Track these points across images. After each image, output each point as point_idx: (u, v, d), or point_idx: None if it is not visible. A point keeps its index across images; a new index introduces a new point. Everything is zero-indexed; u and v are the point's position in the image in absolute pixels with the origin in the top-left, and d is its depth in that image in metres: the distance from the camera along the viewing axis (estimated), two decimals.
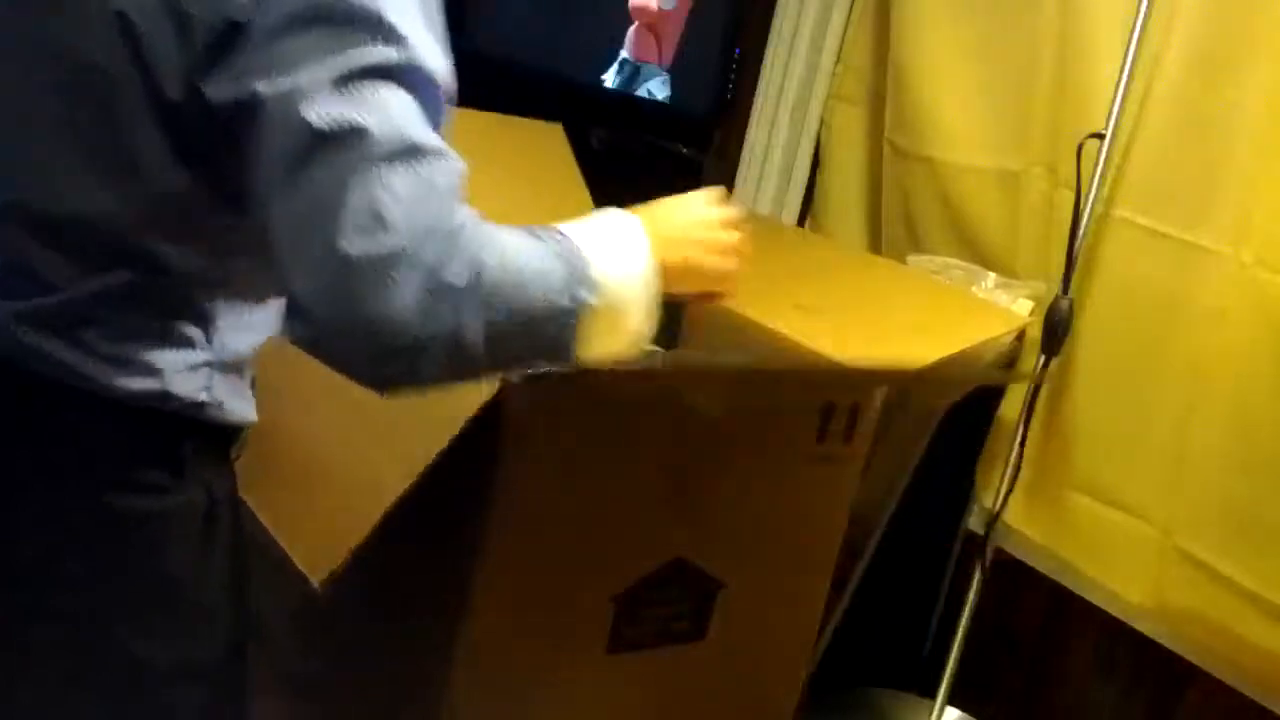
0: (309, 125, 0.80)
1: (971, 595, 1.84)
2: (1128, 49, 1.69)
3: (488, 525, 1.12)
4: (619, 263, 0.91)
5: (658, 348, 1.06)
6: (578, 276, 0.87)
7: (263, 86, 0.82)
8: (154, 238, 0.93)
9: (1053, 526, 1.88)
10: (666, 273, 0.95)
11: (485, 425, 1.08)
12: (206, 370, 0.99)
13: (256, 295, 1.02)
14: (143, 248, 0.94)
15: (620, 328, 0.91)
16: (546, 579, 1.17)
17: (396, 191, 0.81)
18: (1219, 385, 1.64)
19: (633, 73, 2.58)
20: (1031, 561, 1.93)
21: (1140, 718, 1.86)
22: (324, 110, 0.81)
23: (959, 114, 1.99)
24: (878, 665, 2.10)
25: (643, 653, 1.25)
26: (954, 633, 1.86)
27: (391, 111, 0.83)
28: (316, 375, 1.27)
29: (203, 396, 0.99)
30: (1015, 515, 1.88)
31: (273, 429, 1.26)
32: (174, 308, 0.96)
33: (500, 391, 1.07)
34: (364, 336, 0.81)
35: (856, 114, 2.25)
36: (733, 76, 2.40)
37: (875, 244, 2.20)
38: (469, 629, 1.14)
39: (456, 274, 0.81)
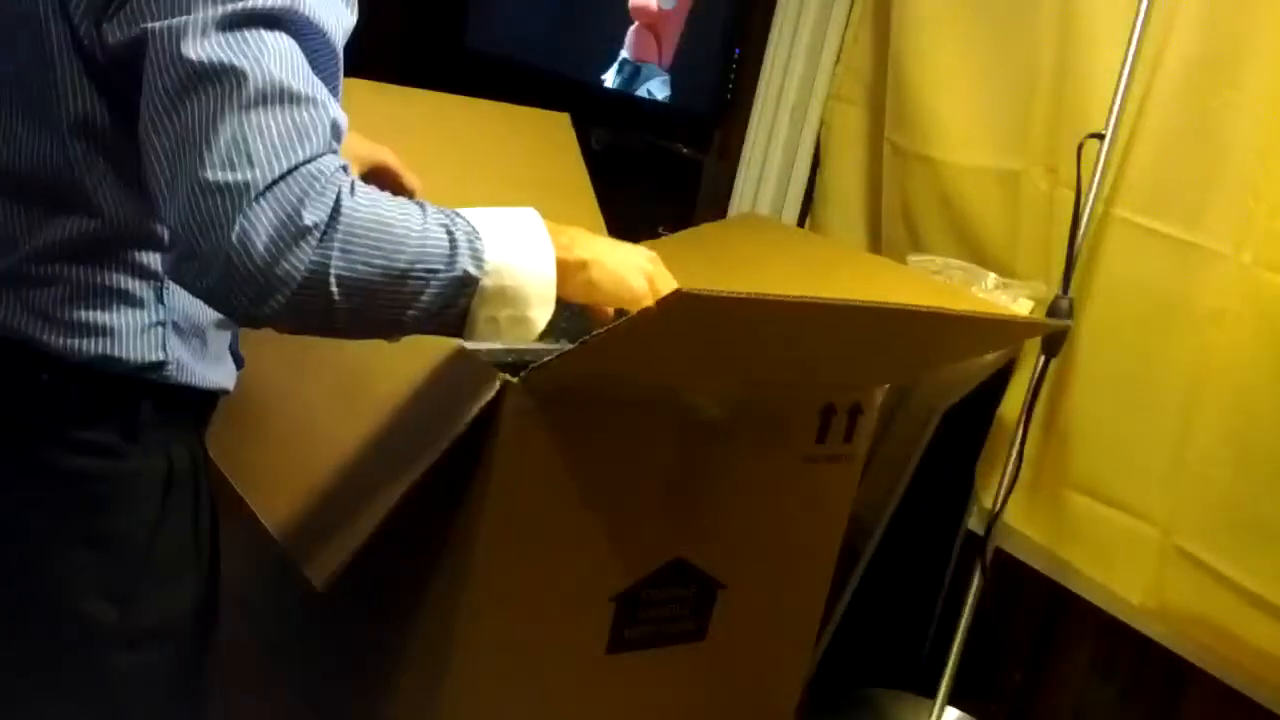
0: (189, 61, 0.84)
1: (971, 595, 1.84)
2: (1128, 49, 1.69)
3: (487, 525, 1.12)
4: (517, 252, 0.92)
5: (565, 341, 1.08)
6: (467, 250, 0.89)
7: (152, 23, 0.86)
8: (91, 185, 0.96)
9: (1052, 526, 1.88)
10: (569, 278, 0.96)
11: (484, 424, 1.08)
12: (160, 330, 1.00)
13: None
14: (82, 195, 0.96)
15: (511, 313, 0.92)
16: (546, 579, 1.17)
17: (263, 131, 0.83)
18: (1219, 385, 1.64)
19: (633, 73, 2.58)
20: (1031, 561, 1.93)
21: (1140, 718, 1.86)
22: (204, 49, 0.84)
23: (959, 114, 1.99)
24: (878, 665, 2.10)
25: (643, 653, 1.25)
26: (954, 633, 1.86)
27: (269, 56, 0.86)
28: (317, 377, 1.27)
29: (158, 357, 1.00)
30: (1015, 515, 1.88)
31: (273, 429, 1.26)
32: (120, 263, 0.98)
33: (500, 391, 1.07)
34: (219, 267, 0.82)
35: (856, 114, 2.25)
36: (733, 76, 2.40)
37: (875, 244, 2.20)
38: (467, 629, 1.14)
39: (313, 216, 0.83)
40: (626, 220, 1.95)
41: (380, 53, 1.63)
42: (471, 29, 2.97)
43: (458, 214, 0.92)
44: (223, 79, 0.84)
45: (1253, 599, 1.60)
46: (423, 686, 1.18)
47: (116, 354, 0.98)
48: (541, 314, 0.94)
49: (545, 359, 1.05)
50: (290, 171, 0.83)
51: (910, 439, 1.88)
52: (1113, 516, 1.78)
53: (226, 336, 1.08)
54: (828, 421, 1.29)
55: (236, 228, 0.81)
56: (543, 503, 1.14)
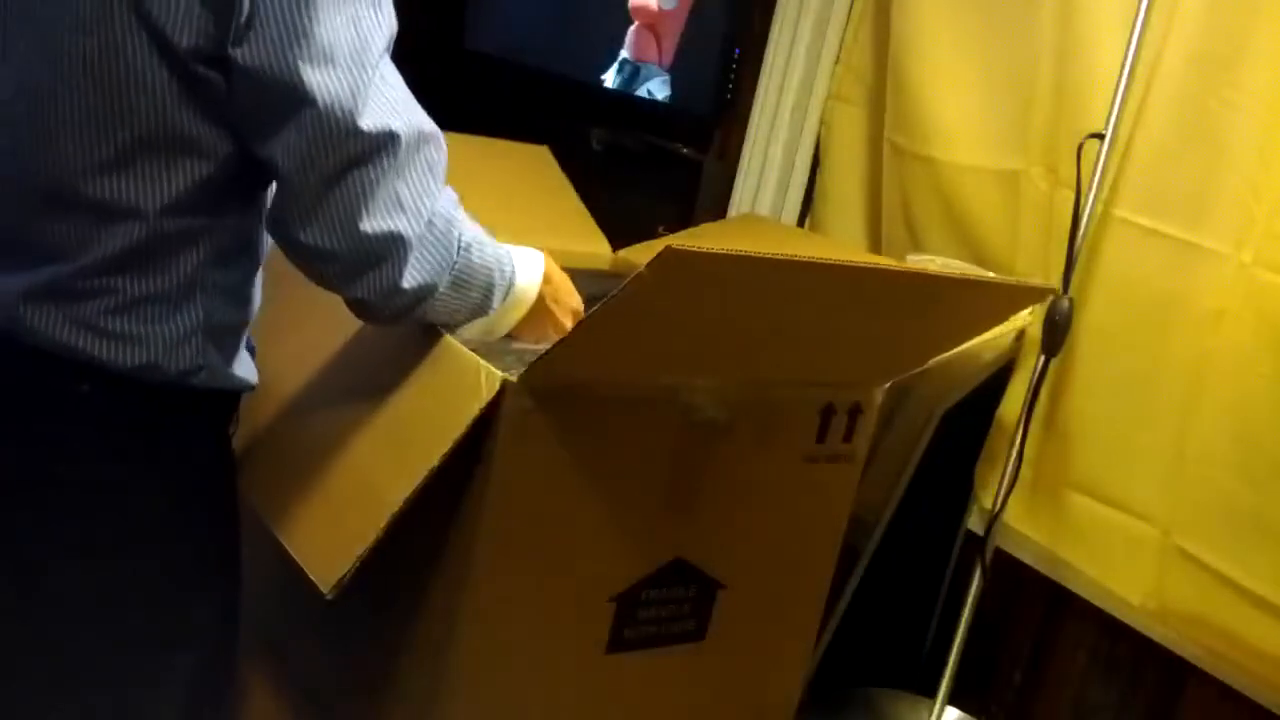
0: (361, 134, 0.95)
1: (971, 595, 1.84)
2: (1128, 49, 1.69)
3: (487, 525, 1.12)
4: (526, 281, 1.15)
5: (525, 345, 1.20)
6: (508, 278, 1.13)
7: (308, 72, 0.93)
8: (140, 196, 0.97)
9: (1052, 526, 1.88)
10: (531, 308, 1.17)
11: (484, 424, 1.08)
12: (196, 338, 1.02)
13: (242, 262, 1.05)
14: (132, 205, 0.97)
15: (495, 325, 1.15)
16: (546, 579, 1.17)
17: (412, 182, 1.00)
18: (1219, 385, 1.64)
19: (633, 73, 2.58)
20: (1031, 561, 1.93)
21: (1140, 718, 1.85)
22: (370, 118, 0.95)
23: (959, 114, 1.99)
24: (878, 665, 2.10)
25: (643, 653, 1.25)
26: (954, 633, 1.86)
27: (403, 101, 0.99)
28: (320, 377, 1.27)
29: (196, 363, 1.02)
30: (1015, 515, 1.88)
31: (277, 430, 1.26)
32: (163, 271, 0.99)
33: (499, 391, 1.07)
34: (376, 295, 1.03)
35: (856, 114, 2.25)
36: (733, 76, 2.40)
37: (875, 244, 2.20)
38: (468, 628, 1.14)
39: (439, 267, 1.05)
40: (626, 220, 1.95)
41: None
42: (471, 29, 2.97)
43: (505, 254, 1.13)
44: (387, 146, 0.97)
45: (1253, 599, 1.60)
46: (423, 686, 1.18)
47: (157, 362, 1.00)
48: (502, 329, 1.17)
49: (543, 352, 1.05)
50: (431, 220, 1.02)
51: (910, 439, 1.88)
52: (1113, 516, 1.78)
53: (247, 331, 1.10)
54: (828, 421, 1.29)
55: (393, 273, 1.01)
56: (542, 502, 1.14)
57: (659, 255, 0.93)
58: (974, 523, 2.02)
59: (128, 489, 1.01)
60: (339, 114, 0.93)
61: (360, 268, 1.00)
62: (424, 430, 1.10)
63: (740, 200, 2.40)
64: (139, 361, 0.99)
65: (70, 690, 1.03)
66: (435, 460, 1.06)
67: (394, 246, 0.99)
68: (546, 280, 1.17)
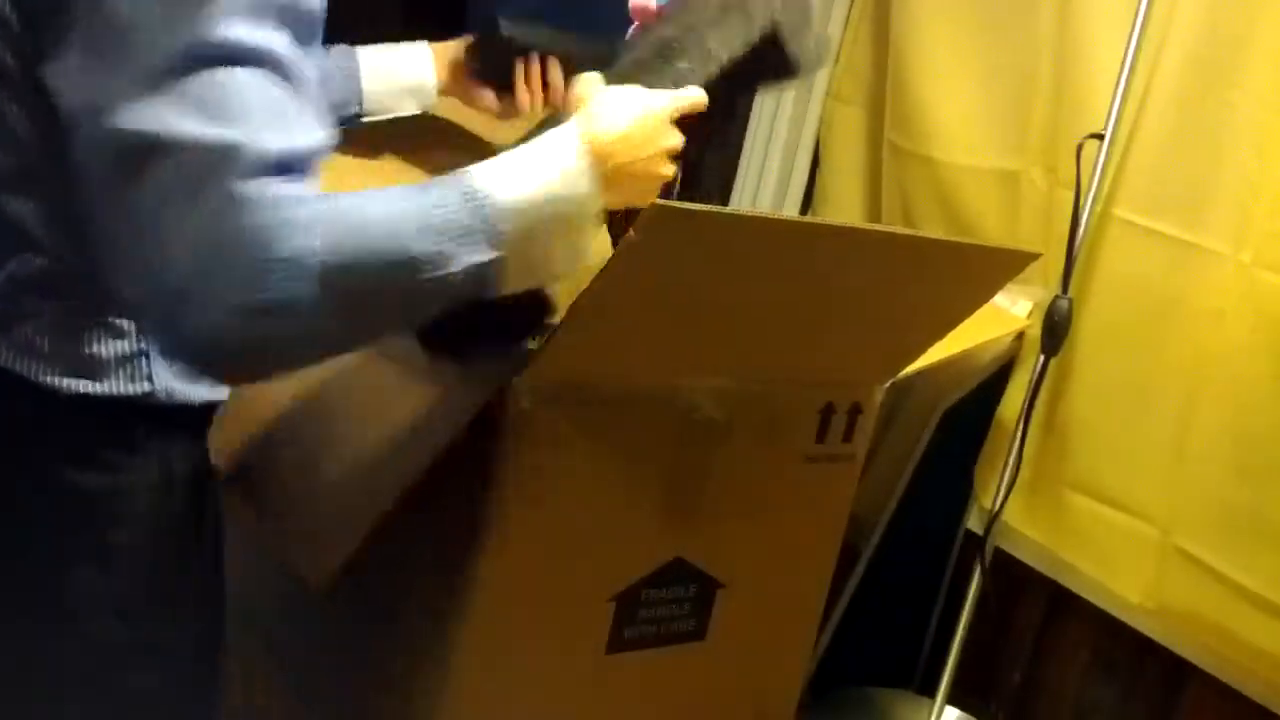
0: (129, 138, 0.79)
1: (971, 595, 1.84)
2: (1127, 49, 1.69)
3: (486, 525, 1.12)
4: (541, 187, 0.92)
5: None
6: (474, 228, 0.87)
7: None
8: (34, 226, 0.92)
9: (1052, 526, 1.88)
10: (607, 184, 0.97)
11: (484, 424, 1.08)
12: (143, 360, 0.98)
13: None
14: (26, 236, 0.92)
15: (546, 251, 0.94)
16: (545, 579, 1.17)
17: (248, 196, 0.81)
18: (1218, 385, 1.64)
19: None
20: (1031, 561, 1.93)
21: (1140, 718, 1.86)
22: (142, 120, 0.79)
23: (959, 114, 1.99)
24: (878, 664, 2.10)
25: (643, 653, 1.25)
26: (953, 632, 1.86)
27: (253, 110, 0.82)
28: (313, 377, 1.27)
29: (144, 388, 0.98)
30: (1015, 515, 1.88)
31: (268, 430, 1.26)
32: (91, 294, 0.94)
33: (500, 390, 1.07)
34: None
35: (856, 114, 2.25)
36: None
37: None
38: (467, 629, 1.14)
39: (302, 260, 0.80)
40: (626, 220, 1.95)
41: (378, 34, 1.62)
42: (471, 29, 2.96)
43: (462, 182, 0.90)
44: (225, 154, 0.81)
45: (1252, 598, 1.60)
46: (423, 687, 1.19)
47: (102, 390, 0.96)
48: (587, 241, 0.98)
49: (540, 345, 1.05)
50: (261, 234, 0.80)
51: (910, 439, 1.88)
52: (1112, 516, 1.78)
53: None
54: (828, 421, 1.29)
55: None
56: (542, 502, 1.14)
57: (646, 212, 0.91)
58: (974, 522, 2.02)
59: (89, 497, 0.98)
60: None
61: None
62: (421, 430, 1.10)
63: (740, 200, 2.40)
64: (80, 391, 0.95)
65: (46, 704, 1.01)
66: (429, 459, 1.05)
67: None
68: (600, 154, 0.96)
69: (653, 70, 1.10)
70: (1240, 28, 1.62)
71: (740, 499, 1.26)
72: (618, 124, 0.99)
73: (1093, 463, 1.81)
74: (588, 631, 1.21)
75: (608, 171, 0.96)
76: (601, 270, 0.98)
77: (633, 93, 1.03)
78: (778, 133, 2.34)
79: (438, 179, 0.90)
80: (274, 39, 0.83)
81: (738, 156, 2.41)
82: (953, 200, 2.00)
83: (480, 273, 0.88)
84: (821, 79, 2.29)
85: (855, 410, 1.31)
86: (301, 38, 0.86)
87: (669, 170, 1.03)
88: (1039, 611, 1.98)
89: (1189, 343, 1.68)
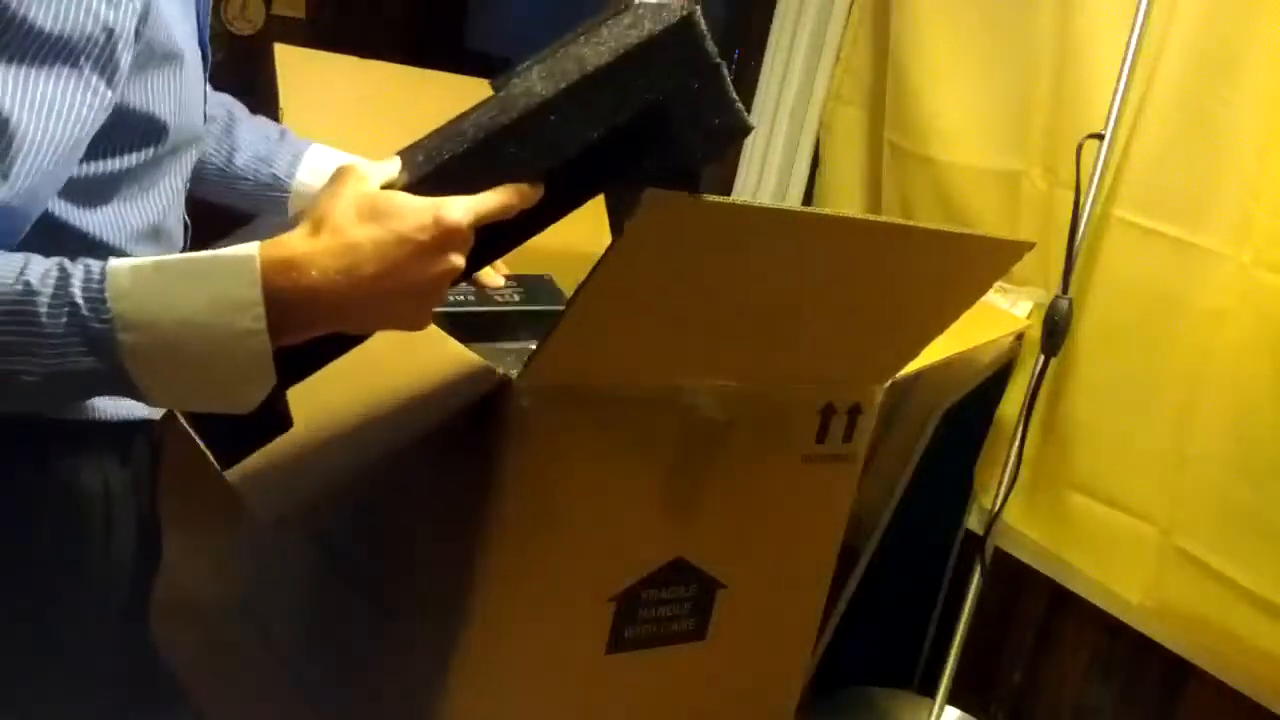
0: None
1: (971, 595, 1.84)
2: (1128, 49, 1.69)
3: (486, 525, 1.12)
4: (183, 311, 0.76)
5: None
6: (70, 338, 0.74)
7: None
8: None
9: (1052, 526, 1.88)
10: (307, 320, 0.80)
11: (484, 424, 1.08)
12: None
13: None
14: None
15: (191, 382, 0.78)
16: (546, 579, 1.17)
17: None
18: (1219, 385, 1.64)
19: None
20: (1031, 561, 1.93)
21: (1140, 717, 1.86)
22: None
23: (959, 114, 1.99)
24: (877, 665, 2.10)
25: (643, 653, 1.25)
26: (953, 632, 1.86)
27: None
28: None
29: (62, 412, 0.94)
30: (1015, 515, 1.88)
31: None
32: None
33: (499, 389, 1.07)
34: None
35: (856, 114, 2.25)
36: (732, 76, 2.40)
37: None
38: (468, 629, 1.15)
39: None
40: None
41: (380, 52, 1.63)
42: (471, 29, 2.97)
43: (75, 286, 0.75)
44: None
45: (1252, 598, 1.60)
46: (424, 687, 1.19)
47: (20, 415, 0.88)
48: (249, 388, 0.80)
49: (539, 346, 1.04)
50: None
51: (910, 439, 1.88)
52: (1112, 516, 1.78)
53: None
54: (828, 421, 1.29)
55: None
56: (542, 502, 1.14)
57: (643, 200, 0.88)
58: (974, 522, 2.02)
59: (14, 521, 0.96)
60: None
61: None
62: (413, 407, 1.09)
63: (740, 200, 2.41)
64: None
65: None
66: (418, 432, 1.04)
67: None
68: (289, 290, 0.78)
69: (477, 154, 0.87)
70: (1240, 28, 1.62)
71: (740, 499, 1.26)
72: (333, 253, 0.79)
73: (1093, 463, 1.81)
74: (588, 631, 1.21)
75: (303, 305, 0.79)
76: (599, 262, 0.98)
77: (387, 205, 0.82)
78: (778, 133, 2.34)
79: (71, 264, 0.76)
80: None
81: (738, 157, 2.41)
82: (953, 200, 2.00)
83: (85, 380, 0.76)
84: (822, 79, 2.29)
85: (855, 410, 1.31)
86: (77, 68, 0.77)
87: (429, 301, 0.85)
88: (1039, 612, 1.98)
89: (1189, 343, 1.68)
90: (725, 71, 0.92)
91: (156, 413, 1.03)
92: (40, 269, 0.75)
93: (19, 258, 0.75)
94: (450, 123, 0.91)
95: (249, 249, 0.77)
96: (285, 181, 1.22)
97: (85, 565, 1.02)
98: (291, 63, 1.56)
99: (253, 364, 0.78)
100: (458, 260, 0.84)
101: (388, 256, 0.80)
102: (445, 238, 0.82)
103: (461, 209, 0.83)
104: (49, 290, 0.74)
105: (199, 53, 0.96)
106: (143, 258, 0.77)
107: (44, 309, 0.74)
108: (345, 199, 0.81)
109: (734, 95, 0.93)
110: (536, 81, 0.89)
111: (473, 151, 0.87)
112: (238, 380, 0.78)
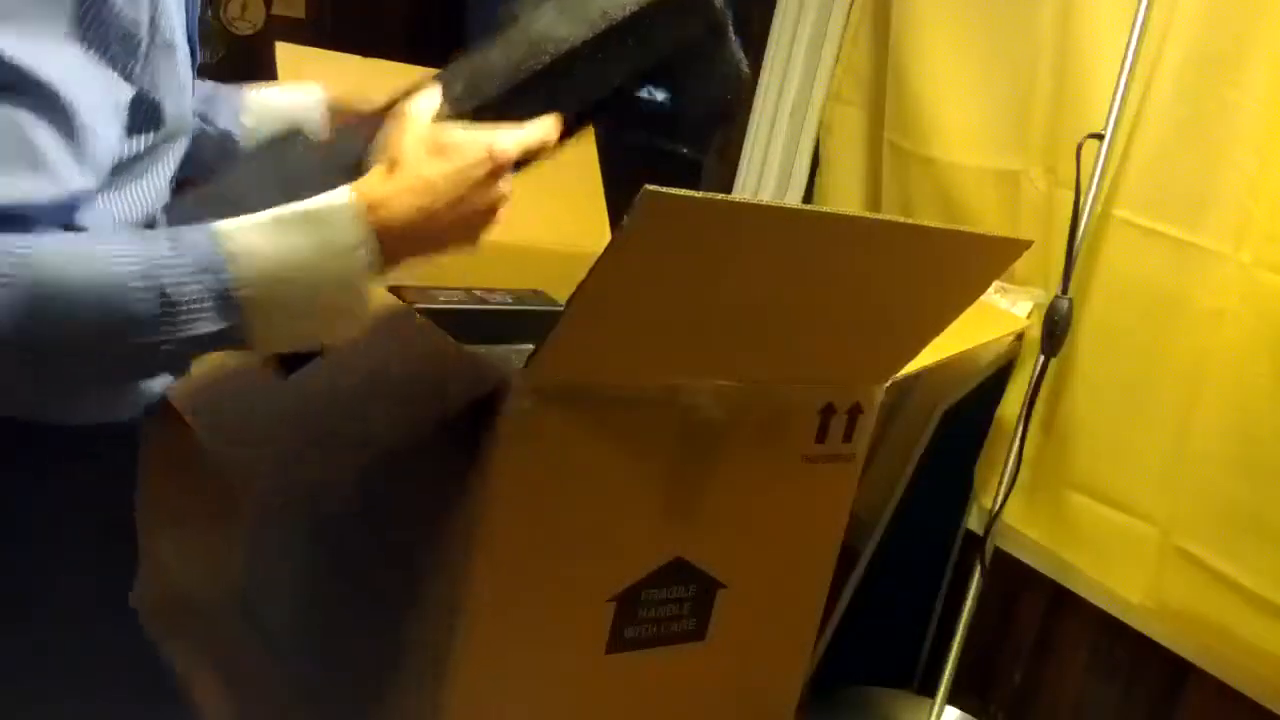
0: None
1: (971, 595, 1.84)
2: (1127, 49, 1.69)
3: (486, 525, 1.12)
4: (296, 260, 0.82)
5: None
6: (204, 301, 0.78)
7: None
8: None
9: (1052, 526, 1.88)
10: (391, 254, 0.86)
11: (484, 424, 1.08)
12: None
13: None
14: None
15: (297, 325, 0.84)
16: (545, 579, 1.17)
17: None
18: (1219, 385, 1.64)
19: None
20: (1031, 561, 1.93)
21: (1140, 717, 1.86)
22: None
23: (959, 114, 1.99)
24: (878, 664, 2.10)
25: (643, 653, 1.25)
26: (953, 632, 1.86)
27: None
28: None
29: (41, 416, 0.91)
30: (1014, 515, 1.88)
31: (248, 383, 1.23)
32: None
33: (499, 389, 1.07)
34: None
35: (856, 114, 2.26)
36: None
37: None
38: (467, 629, 1.14)
39: None
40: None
41: (380, 51, 1.63)
42: (471, 29, 2.97)
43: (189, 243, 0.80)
44: None
45: (1252, 598, 1.60)
46: (423, 687, 1.19)
47: None
48: (355, 306, 0.86)
49: (539, 345, 1.04)
50: None
51: (910, 439, 1.88)
52: (1112, 516, 1.79)
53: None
54: (828, 421, 1.29)
55: None
56: (542, 502, 1.14)
57: (639, 198, 0.90)
58: (974, 522, 2.02)
59: None
60: None
61: None
62: (412, 395, 1.08)
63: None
64: None
65: None
66: (417, 432, 1.03)
67: None
68: (383, 227, 0.85)
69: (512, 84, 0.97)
70: (1240, 27, 1.62)
71: (740, 499, 1.26)
72: (413, 191, 0.87)
73: (1093, 463, 1.81)
74: (588, 631, 1.21)
75: (391, 241, 0.86)
76: (597, 261, 0.98)
77: (449, 141, 0.90)
78: (778, 133, 2.34)
79: (174, 234, 0.81)
80: (46, 58, 0.74)
81: (738, 157, 2.41)
82: (953, 200, 2.00)
83: (208, 342, 0.80)
84: (822, 79, 2.29)
85: (855, 410, 1.31)
86: (115, 55, 0.79)
87: (486, 224, 0.93)
88: (1039, 612, 1.98)
89: (1189, 343, 1.68)
90: (730, 25, 1.03)
91: (135, 415, 1.02)
92: (157, 241, 0.79)
93: (134, 233, 0.80)
94: (477, 55, 1.01)
95: (342, 195, 0.85)
96: (234, 133, 1.22)
97: (54, 566, 1.01)
98: (292, 62, 1.56)
99: (357, 301, 0.86)
100: (506, 187, 0.92)
101: (455, 190, 0.89)
102: (500, 169, 0.91)
103: (511, 142, 0.92)
104: (169, 260, 0.78)
105: (188, 49, 0.96)
106: (238, 218, 0.82)
107: (170, 279, 0.77)
108: (412, 138, 0.90)
109: (738, 49, 1.05)
110: (559, 22, 0.98)
111: (514, 90, 0.97)
112: (341, 317, 0.86)
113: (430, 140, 0.90)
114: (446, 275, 1.37)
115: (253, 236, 0.82)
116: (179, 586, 1.38)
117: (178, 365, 0.88)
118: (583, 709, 1.25)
